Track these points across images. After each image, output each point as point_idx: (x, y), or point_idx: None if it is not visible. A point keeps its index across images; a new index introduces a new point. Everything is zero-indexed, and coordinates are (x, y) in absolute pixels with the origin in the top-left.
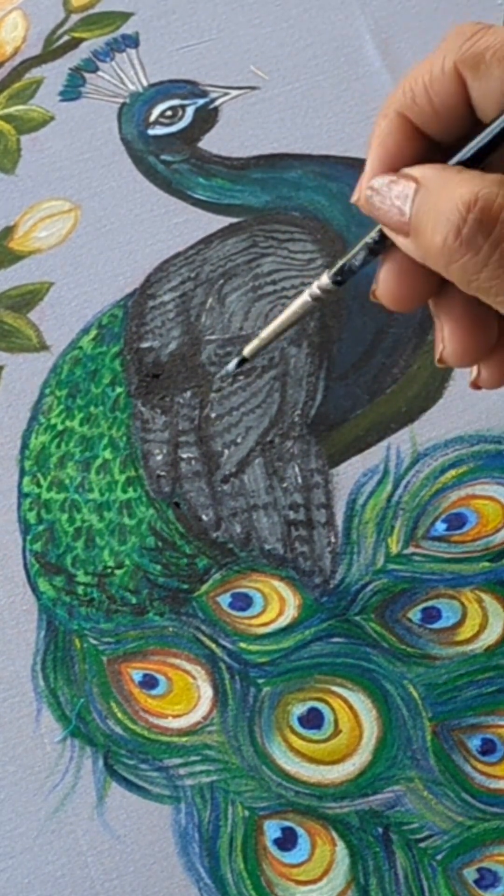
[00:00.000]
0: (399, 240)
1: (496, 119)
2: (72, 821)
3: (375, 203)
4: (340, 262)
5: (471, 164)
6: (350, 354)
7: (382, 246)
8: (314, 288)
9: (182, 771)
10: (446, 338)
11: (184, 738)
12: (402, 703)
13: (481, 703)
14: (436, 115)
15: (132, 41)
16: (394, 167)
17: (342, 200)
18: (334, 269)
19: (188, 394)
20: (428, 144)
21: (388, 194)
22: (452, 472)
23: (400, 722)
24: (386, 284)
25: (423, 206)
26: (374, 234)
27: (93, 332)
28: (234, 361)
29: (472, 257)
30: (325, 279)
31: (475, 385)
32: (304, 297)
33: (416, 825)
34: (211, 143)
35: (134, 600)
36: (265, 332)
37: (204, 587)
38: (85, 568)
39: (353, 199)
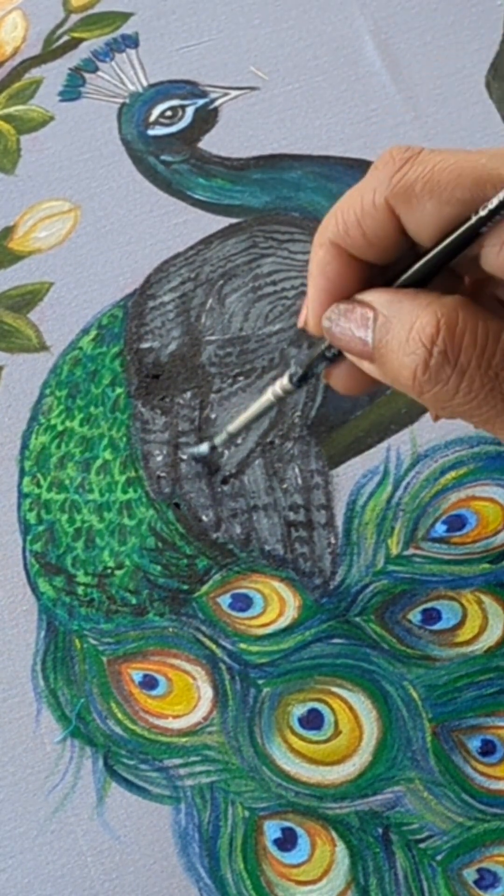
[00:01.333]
0: (364, 365)
1: (439, 244)
2: (72, 821)
3: (335, 333)
4: (301, 372)
5: (417, 285)
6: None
7: (341, 356)
8: (277, 388)
9: (182, 771)
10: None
11: (184, 739)
12: (402, 704)
13: (481, 704)
14: (369, 244)
15: (132, 41)
16: (337, 293)
17: None
18: (297, 377)
19: (188, 394)
20: (366, 266)
21: (346, 325)
22: (452, 474)
23: (400, 723)
24: (337, 378)
25: (384, 336)
26: (332, 349)
27: (93, 333)
28: (206, 446)
29: (443, 387)
30: (286, 382)
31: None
32: (268, 396)
33: (416, 826)
34: (211, 143)
35: (134, 601)
36: (232, 426)
37: (204, 588)
38: (85, 568)
39: (300, 324)
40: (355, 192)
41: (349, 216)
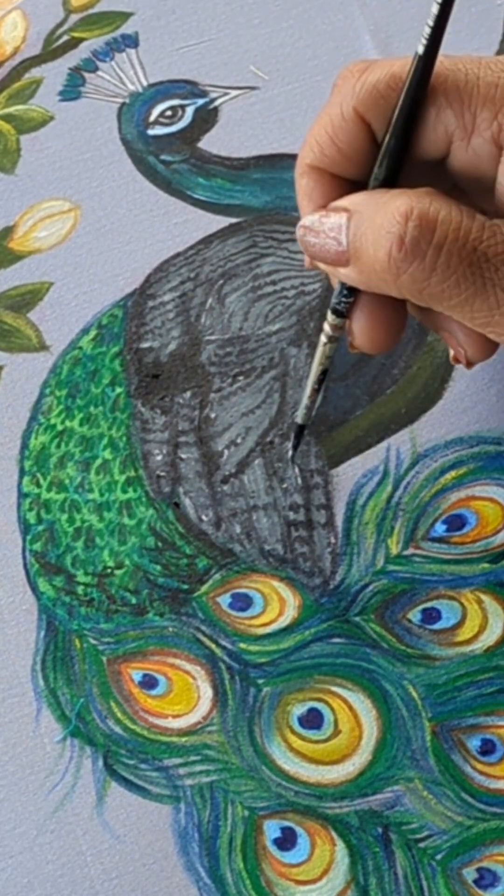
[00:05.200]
0: (339, 272)
1: (388, 133)
2: (71, 821)
3: (310, 241)
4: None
5: (388, 184)
6: (350, 355)
7: (351, 299)
8: (327, 329)
9: (182, 771)
10: (464, 342)
11: (184, 739)
12: (401, 703)
13: (481, 703)
14: (347, 159)
15: (132, 41)
16: None
17: None
18: (330, 316)
19: (188, 394)
20: (350, 185)
21: (321, 229)
22: (452, 474)
23: (400, 722)
24: (360, 331)
25: (359, 230)
26: (338, 295)
27: (93, 332)
28: (293, 436)
29: (419, 264)
30: (331, 319)
31: (461, 362)
32: (322, 340)
33: (415, 825)
34: (211, 143)
35: (134, 600)
36: (307, 395)
37: (204, 587)
38: (85, 568)
39: (306, 264)
40: (324, 114)
41: (322, 136)
